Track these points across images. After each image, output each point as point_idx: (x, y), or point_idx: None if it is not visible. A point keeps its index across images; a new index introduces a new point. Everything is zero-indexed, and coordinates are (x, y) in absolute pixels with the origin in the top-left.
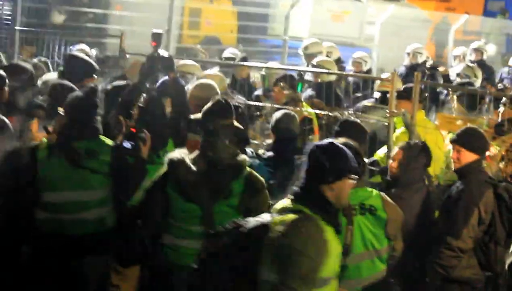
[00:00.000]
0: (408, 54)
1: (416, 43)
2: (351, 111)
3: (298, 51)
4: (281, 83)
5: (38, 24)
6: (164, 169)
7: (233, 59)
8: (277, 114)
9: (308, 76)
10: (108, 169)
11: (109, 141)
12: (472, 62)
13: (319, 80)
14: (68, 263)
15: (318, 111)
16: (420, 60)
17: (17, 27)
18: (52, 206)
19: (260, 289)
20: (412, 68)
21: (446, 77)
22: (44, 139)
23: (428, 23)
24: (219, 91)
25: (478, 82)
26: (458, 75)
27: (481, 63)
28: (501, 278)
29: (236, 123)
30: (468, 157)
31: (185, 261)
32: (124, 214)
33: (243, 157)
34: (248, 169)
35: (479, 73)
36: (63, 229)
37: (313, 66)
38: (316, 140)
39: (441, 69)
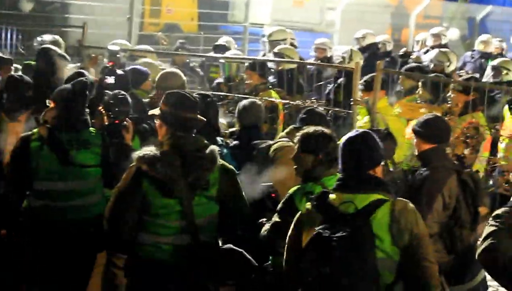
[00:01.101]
0: (358, 39)
1: (365, 29)
2: (313, 99)
3: (262, 38)
4: (247, 72)
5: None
6: (134, 167)
7: (226, 47)
8: (243, 103)
9: (270, 64)
10: (99, 160)
11: (98, 133)
12: (432, 47)
13: (280, 68)
14: (62, 249)
15: (279, 101)
16: (366, 43)
17: None
18: (44, 194)
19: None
20: (362, 51)
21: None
22: (36, 131)
23: (389, 8)
24: (185, 79)
25: (452, 67)
26: (431, 61)
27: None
28: (467, 260)
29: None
30: (426, 145)
31: (166, 257)
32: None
33: (214, 147)
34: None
35: (453, 58)
36: (55, 215)
37: (275, 54)
38: (280, 128)
39: (413, 56)
